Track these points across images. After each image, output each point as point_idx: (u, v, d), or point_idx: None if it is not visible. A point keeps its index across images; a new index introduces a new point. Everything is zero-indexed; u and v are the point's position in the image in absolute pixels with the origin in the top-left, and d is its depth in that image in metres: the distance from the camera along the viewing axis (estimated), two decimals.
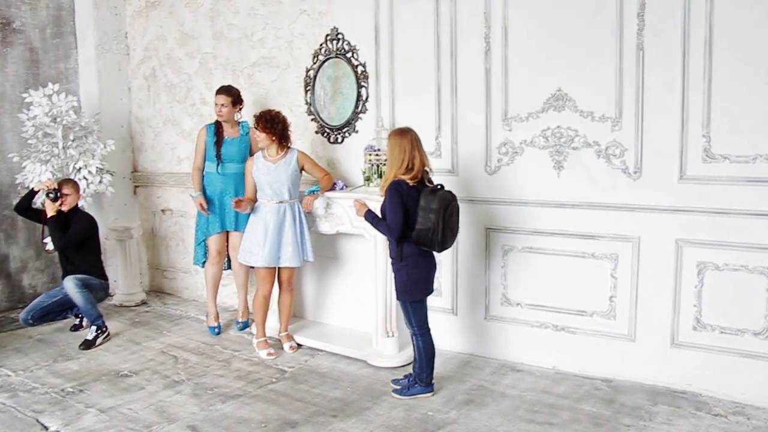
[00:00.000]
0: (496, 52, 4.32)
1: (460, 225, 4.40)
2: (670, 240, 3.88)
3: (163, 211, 6.68)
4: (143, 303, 6.50)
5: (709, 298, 3.82)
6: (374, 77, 4.89)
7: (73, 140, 5.93)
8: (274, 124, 4.65)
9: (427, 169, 3.79)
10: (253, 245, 4.73)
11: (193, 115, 6.21)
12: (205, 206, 5.22)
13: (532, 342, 4.42)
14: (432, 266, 3.87)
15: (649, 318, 4.00)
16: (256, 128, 4.68)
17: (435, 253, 3.84)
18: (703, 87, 3.68)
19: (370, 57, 4.89)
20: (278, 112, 4.73)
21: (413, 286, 3.78)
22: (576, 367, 4.26)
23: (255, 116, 4.72)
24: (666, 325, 3.95)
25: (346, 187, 4.90)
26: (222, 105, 5.15)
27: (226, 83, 5.57)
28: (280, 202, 4.68)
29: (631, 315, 4.06)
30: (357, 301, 5.09)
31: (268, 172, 4.69)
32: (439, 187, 3.74)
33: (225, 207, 5.22)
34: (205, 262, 5.47)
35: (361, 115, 5.01)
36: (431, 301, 4.36)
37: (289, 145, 4.79)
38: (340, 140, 5.17)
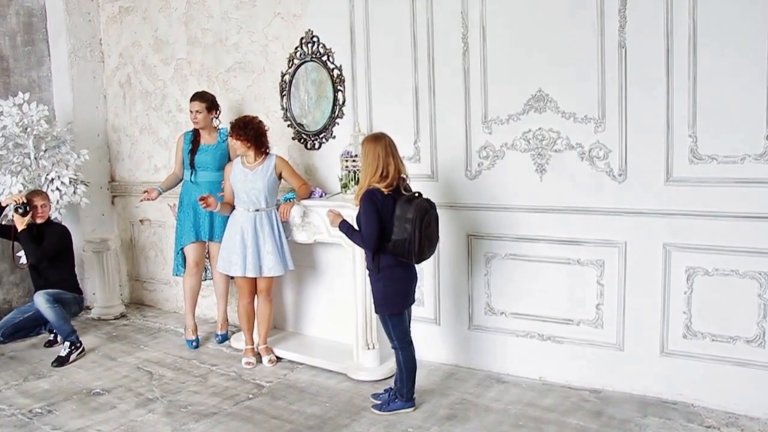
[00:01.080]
0: (474, 52, 4.17)
1: (441, 232, 4.25)
2: (657, 245, 3.74)
3: (141, 221, 6.50)
4: (122, 316, 6.32)
5: (699, 304, 3.67)
6: (350, 80, 4.73)
7: (45, 150, 5.76)
8: (246, 131, 4.51)
9: (404, 176, 3.63)
10: (231, 254, 4.58)
11: (169, 123, 6.05)
12: (153, 196, 5.21)
13: (518, 352, 4.27)
14: (411, 277, 3.71)
15: (637, 326, 3.85)
16: (230, 136, 4.54)
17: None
18: (687, 85, 3.53)
19: (346, 60, 4.73)
20: (253, 118, 4.59)
21: (391, 299, 3.62)
22: (563, 378, 4.10)
23: (230, 123, 4.58)
24: (655, 333, 3.80)
25: (325, 194, 4.74)
26: (197, 111, 5.01)
27: (201, 90, 5.43)
28: (257, 210, 4.53)
29: (618, 323, 3.91)
30: (337, 312, 4.93)
31: (245, 178, 4.54)
32: (416, 195, 3.58)
33: (200, 216, 5.06)
34: (180, 273, 5.31)
35: (338, 120, 4.85)
36: (413, 311, 4.22)
37: (267, 151, 4.64)
38: (317, 146, 5.02)
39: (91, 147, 6.49)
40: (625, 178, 3.77)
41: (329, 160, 4.89)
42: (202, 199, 4.48)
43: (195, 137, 5.13)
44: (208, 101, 5.08)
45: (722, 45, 3.43)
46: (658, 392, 3.81)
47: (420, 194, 3.60)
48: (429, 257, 3.65)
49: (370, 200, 3.48)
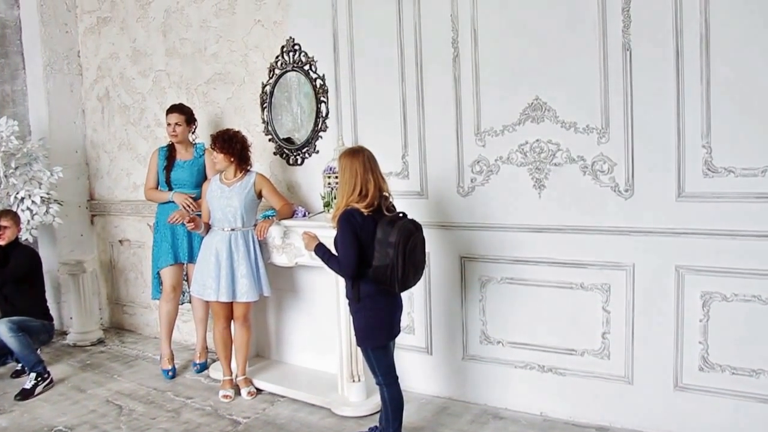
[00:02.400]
0: (465, 58, 3.84)
1: (432, 254, 3.94)
2: (669, 267, 3.37)
3: (120, 241, 6.17)
4: (99, 342, 5.96)
5: (717, 333, 3.29)
6: (334, 91, 4.40)
7: (16, 168, 5.44)
8: (232, 144, 4.20)
9: (386, 195, 3.27)
10: (206, 277, 4.24)
11: (148, 138, 5.73)
12: (190, 202, 4.66)
13: (517, 385, 3.89)
14: (395, 307, 3.34)
15: (648, 357, 3.48)
16: (213, 149, 4.22)
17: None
18: (700, 90, 3.18)
19: (329, 69, 4.41)
20: (237, 132, 4.30)
21: (373, 331, 3.25)
22: (566, 413, 3.72)
23: (212, 136, 4.26)
24: (668, 365, 3.42)
25: (308, 213, 4.39)
26: (176, 124, 4.70)
27: (180, 101, 5.12)
28: (232, 229, 4.19)
29: (627, 354, 3.54)
30: (321, 340, 4.57)
31: (221, 195, 4.21)
32: (399, 215, 3.23)
33: (178, 237, 4.73)
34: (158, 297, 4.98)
35: (321, 134, 4.52)
36: (403, 339, 3.88)
37: (248, 167, 4.32)
38: (299, 161, 4.68)
39: (69, 164, 6.20)
40: (632, 193, 3.41)
41: (313, 177, 4.55)
42: (191, 220, 4.20)
43: (170, 153, 4.81)
44: (186, 114, 4.78)
45: (739, 45, 3.08)
46: (671, 430, 3.43)
47: (404, 215, 3.24)
48: (414, 285, 3.29)
49: (348, 222, 3.13)
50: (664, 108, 3.28)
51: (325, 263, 3.32)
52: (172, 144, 4.82)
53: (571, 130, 3.55)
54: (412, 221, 3.21)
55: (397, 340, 3.53)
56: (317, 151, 4.55)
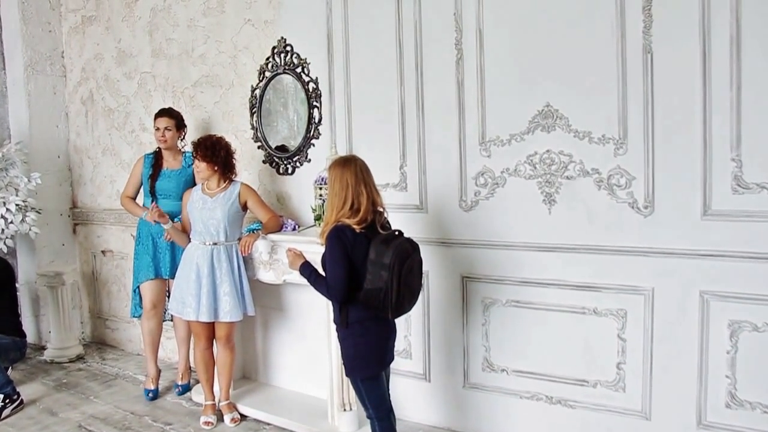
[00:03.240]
0: (469, 61, 3.53)
1: (432, 272, 3.63)
2: (692, 292, 3.05)
3: (103, 252, 5.85)
4: (79, 358, 5.63)
5: (746, 366, 2.97)
6: (328, 95, 4.09)
7: None
8: (215, 152, 3.88)
9: (380, 210, 2.95)
10: (185, 294, 3.92)
11: (132, 144, 5.42)
12: (160, 213, 4.13)
13: (522, 417, 3.56)
14: (389, 332, 3.01)
15: (668, 391, 3.15)
16: (195, 157, 3.90)
17: None
18: (730, 97, 2.87)
19: (323, 71, 4.10)
20: (220, 138, 3.98)
21: (363, 360, 2.92)
22: None
23: (193, 143, 3.95)
24: (690, 400, 3.10)
25: (297, 227, 4.07)
26: (165, 128, 4.38)
27: (166, 105, 4.82)
28: (214, 244, 3.87)
29: (644, 386, 3.21)
30: (310, 363, 4.25)
31: (203, 206, 3.90)
32: (395, 233, 2.90)
33: (160, 250, 4.42)
34: (138, 315, 4.66)
35: (313, 141, 4.21)
36: (399, 364, 3.57)
37: (232, 177, 4.01)
38: (290, 171, 4.36)
39: (51, 170, 5.90)
40: (653, 210, 3.10)
41: (304, 187, 4.23)
42: (161, 215, 3.94)
43: (156, 161, 4.50)
44: (176, 118, 4.47)
45: None
46: None
47: (400, 233, 2.92)
48: (409, 310, 2.96)
49: (337, 240, 2.81)
50: (689, 116, 2.96)
51: (311, 284, 3.00)
52: (159, 151, 4.50)
53: (585, 140, 3.23)
54: (409, 241, 2.89)
55: (393, 364, 3.22)
56: (309, 160, 4.24)
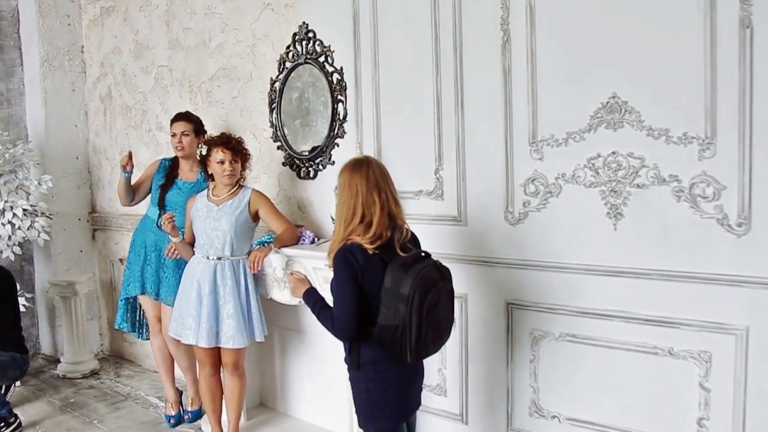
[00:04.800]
0: (518, 44, 2.93)
1: (472, 296, 3.07)
2: None
3: (121, 260, 5.44)
4: (93, 374, 5.25)
5: None
6: (353, 87, 3.55)
7: (0, 176, 4.77)
8: (239, 146, 3.49)
9: (400, 224, 2.39)
10: (185, 315, 3.44)
11: (149, 144, 5.00)
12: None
13: None
14: (411, 377, 2.44)
15: None
16: (215, 146, 3.41)
17: None
18: None
19: (348, 60, 3.57)
20: (240, 138, 3.53)
21: (377, 410, 2.35)
22: None
23: (213, 139, 3.46)
24: None
25: (317, 239, 3.55)
26: (182, 133, 3.89)
27: (182, 102, 4.45)
28: (218, 258, 3.37)
29: None
30: (331, 392, 3.73)
31: (208, 215, 3.41)
32: (421, 255, 2.34)
33: (149, 266, 3.96)
34: (129, 327, 4.26)
35: (337, 141, 3.68)
36: (431, 401, 3.04)
37: (242, 182, 3.52)
38: (312, 174, 3.84)
39: (69, 172, 5.57)
40: (749, 229, 2.44)
41: (326, 193, 3.70)
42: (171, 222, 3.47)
43: (171, 170, 4.03)
44: (194, 122, 3.98)
45: None
46: None
47: (427, 254, 2.35)
48: (435, 352, 2.39)
49: (344, 263, 2.26)
50: None
51: (316, 317, 2.45)
52: (176, 160, 4.04)
53: (661, 140, 2.60)
54: (437, 265, 2.31)
55: (425, 401, 2.67)
56: (332, 162, 3.71)
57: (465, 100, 3.13)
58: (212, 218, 3.38)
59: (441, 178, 3.24)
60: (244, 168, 3.49)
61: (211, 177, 3.48)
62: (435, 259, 2.35)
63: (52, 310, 5.60)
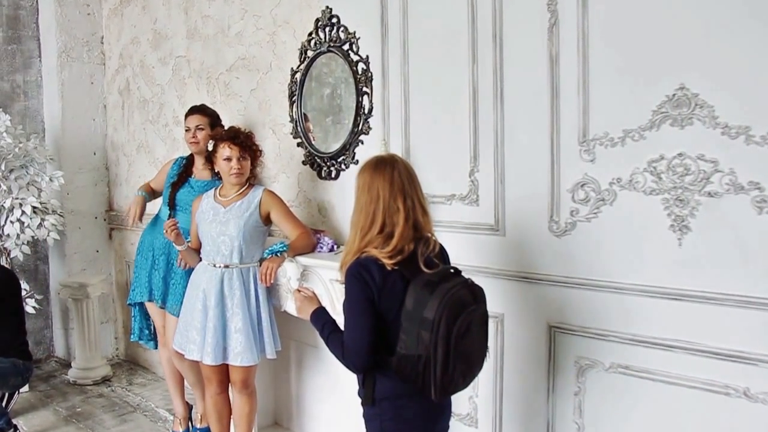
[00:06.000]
0: (567, 27, 2.53)
1: (509, 317, 2.68)
2: None
3: None
4: (105, 380, 5.01)
5: None
6: (380, 78, 3.20)
7: (11, 171, 4.53)
8: (253, 145, 3.14)
9: (426, 236, 2.02)
10: (189, 327, 3.12)
11: (166, 139, 4.72)
12: (138, 213, 3.73)
13: None
14: (435, 415, 2.07)
15: None
16: (222, 141, 3.10)
17: None
18: None
19: (375, 48, 3.21)
20: (250, 132, 3.19)
21: None
22: None
23: (222, 135, 3.14)
24: None
25: (336, 246, 3.20)
26: (197, 127, 3.61)
27: (200, 95, 4.18)
28: (226, 266, 3.04)
29: None
30: (348, 416, 3.35)
31: (214, 218, 3.09)
32: (450, 271, 1.97)
33: (157, 270, 3.66)
34: (148, 337, 3.97)
35: (361, 137, 3.33)
36: (457, 431, 2.63)
37: (252, 180, 3.20)
38: (333, 174, 3.50)
39: (86, 168, 5.35)
40: None
41: (349, 195, 3.32)
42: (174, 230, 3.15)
43: (186, 168, 3.74)
44: (210, 116, 3.69)
45: None
46: None
47: (456, 271, 1.97)
48: (464, 388, 2.01)
49: (357, 280, 1.90)
50: None
51: (324, 342, 2.09)
52: (192, 157, 3.74)
53: (739, 140, 2.18)
54: (468, 285, 1.94)
55: (453, 431, 2.29)
56: (356, 161, 3.36)
57: (505, 93, 2.74)
58: (219, 222, 3.06)
59: (476, 180, 2.86)
60: (254, 166, 3.17)
61: (218, 175, 3.16)
62: (466, 276, 1.97)
63: (65, 312, 5.37)
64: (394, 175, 1.97)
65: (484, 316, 1.97)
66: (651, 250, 2.39)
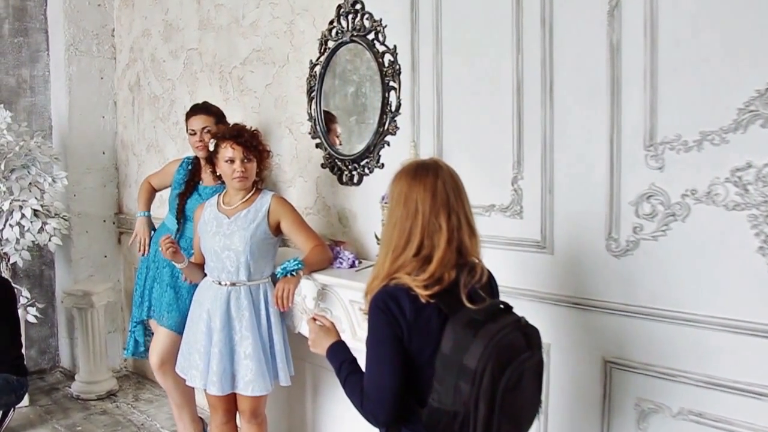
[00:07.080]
0: (631, 10, 2.15)
1: (556, 353, 2.31)
2: None
3: None
4: (110, 395, 4.70)
5: None
6: (409, 71, 2.83)
7: (12, 171, 4.24)
8: (259, 145, 2.79)
9: (474, 262, 1.65)
10: (192, 351, 2.78)
11: (176, 138, 4.40)
12: (146, 240, 3.58)
13: None
14: None
15: None
16: (225, 141, 2.75)
17: None
18: None
19: (404, 37, 2.84)
20: (256, 130, 2.83)
21: None
22: None
23: (224, 134, 2.79)
24: None
25: (358, 261, 2.84)
26: (203, 129, 3.27)
27: (212, 90, 3.87)
28: (233, 284, 2.69)
29: None
30: None
31: (217, 230, 2.74)
32: (499, 307, 1.60)
33: (158, 284, 3.33)
34: (139, 354, 3.65)
35: (387, 138, 2.96)
36: None
37: (260, 185, 2.85)
38: (356, 179, 3.13)
39: (94, 168, 5.05)
40: None
41: (373, 203, 2.98)
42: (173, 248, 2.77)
43: (193, 174, 3.40)
44: (215, 115, 3.35)
45: None
46: None
47: (507, 307, 1.60)
48: None
49: (386, 314, 1.55)
50: None
51: (341, 384, 1.73)
52: (198, 161, 3.40)
53: None
54: (521, 324, 1.56)
55: None
56: (381, 165, 3.00)
57: (555, 87, 2.36)
58: (222, 234, 2.71)
59: (520, 189, 2.48)
60: (261, 169, 2.81)
61: (220, 179, 2.82)
62: (519, 315, 1.60)
63: (71, 320, 5.08)
64: (437, 185, 1.60)
65: (539, 366, 1.59)
66: (733, 277, 1.99)
